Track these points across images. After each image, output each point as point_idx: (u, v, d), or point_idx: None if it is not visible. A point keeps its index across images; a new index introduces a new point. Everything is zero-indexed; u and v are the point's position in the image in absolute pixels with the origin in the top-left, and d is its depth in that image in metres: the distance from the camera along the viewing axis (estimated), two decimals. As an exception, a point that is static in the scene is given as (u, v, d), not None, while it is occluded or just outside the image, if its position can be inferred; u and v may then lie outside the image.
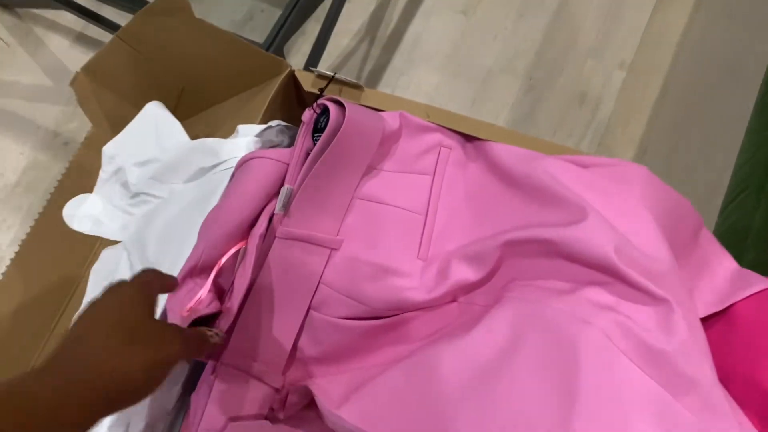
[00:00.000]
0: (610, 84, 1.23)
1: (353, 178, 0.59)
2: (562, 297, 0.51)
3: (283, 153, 0.61)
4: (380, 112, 0.63)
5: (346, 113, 0.57)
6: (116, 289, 0.41)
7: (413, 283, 0.56)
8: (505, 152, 0.61)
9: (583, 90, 1.22)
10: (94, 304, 0.39)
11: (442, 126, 0.66)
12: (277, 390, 0.55)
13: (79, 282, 0.78)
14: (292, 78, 0.75)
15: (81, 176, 0.78)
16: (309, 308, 0.56)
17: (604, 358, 0.46)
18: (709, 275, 0.62)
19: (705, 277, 0.61)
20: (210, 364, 0.56)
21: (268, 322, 0.55)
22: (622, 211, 0.54)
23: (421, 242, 0.59)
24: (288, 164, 0.61)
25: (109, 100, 0.80)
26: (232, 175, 0.62)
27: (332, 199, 0.58)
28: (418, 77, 1.28)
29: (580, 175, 0.57)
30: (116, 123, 0.80)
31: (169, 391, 0.56)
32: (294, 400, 0.54)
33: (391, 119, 0.62)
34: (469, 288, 0.56)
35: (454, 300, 0.57)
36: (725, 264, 0.62)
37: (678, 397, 0.46)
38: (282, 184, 0.60)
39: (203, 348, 0.49)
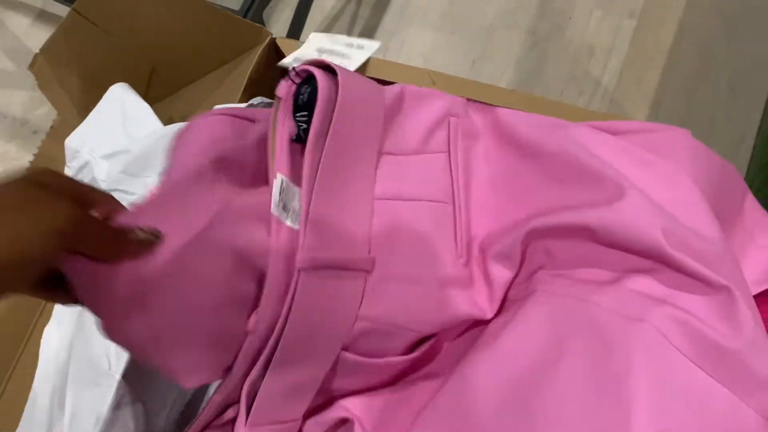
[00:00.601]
0: (619, 34, 1.14)
1: (367, 170, 0.47)
2: (604, 290, 0.43)
3: (231, 109, 0.50)
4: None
5: (340, 80, 0.45)
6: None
7: (465, 291, 0.46)
8: (521, 120, 0.52)
9: (591, 43, 1.14)
10: None
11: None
12: None
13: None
14: (273, 47, 0.67)
15: (49, 169, 0.72)
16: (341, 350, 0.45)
17: (661, 362, 0.40)
18: (755, 249, 0.55)
19: (751, 251, 0.55)
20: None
21: (290, 384, 0.44)
22: (666, 185, 0.47)
23: (456, 238, 0.48)
24: (245, 119, 0.49)
25: (74, 83, 0.73)
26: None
27: (353, 203, 0.45)
28: (411, 37, 1.20)
29: (614, 144, 0.49)
30: (83, 108, 0.73)
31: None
32: None
33: (389, 88, 0.52)
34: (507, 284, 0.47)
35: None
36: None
37: (747, 400, 0.39)
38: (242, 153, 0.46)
39: (111, 244, 0.34)
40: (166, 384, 0.52)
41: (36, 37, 1.13)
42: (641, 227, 0.43)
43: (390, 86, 0.52)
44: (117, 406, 0.50)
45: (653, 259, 0.43)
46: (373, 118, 0.47)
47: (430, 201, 0.48)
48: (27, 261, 0.28)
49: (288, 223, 0.42)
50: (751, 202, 0.57)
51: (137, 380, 0.51)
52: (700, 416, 0.38)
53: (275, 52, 0.68)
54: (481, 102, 0.56)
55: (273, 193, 0.41)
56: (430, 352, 0.48)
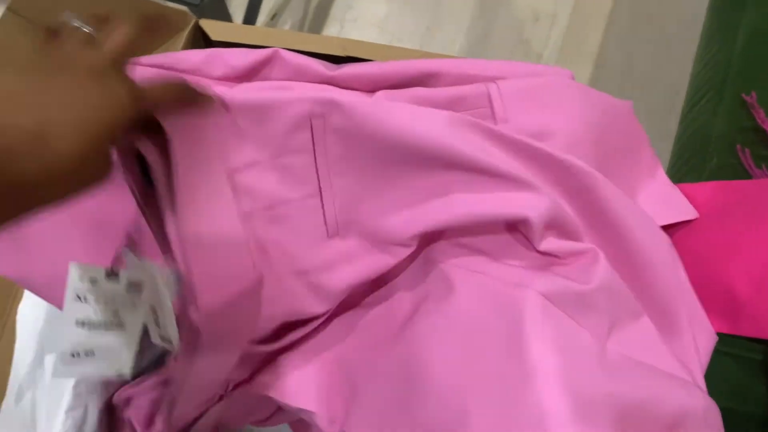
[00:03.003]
0: (561, 0, 1.17)
1: (224, 199, 0.41)
2: (493, 264, 0.49)
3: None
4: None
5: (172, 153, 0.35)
6: None
7: (349, 264, 0.50)
8: (391, 114, 0.50)
9: (536, 8, 1.17)
10: None
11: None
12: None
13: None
14: (198, 30, 0.67)
15: None
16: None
17: (547, 318, 0.45)
18: (650, 185, 0.60)
19: (646, 187, 0.60)
20: None
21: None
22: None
23: (326, 222, 0.51)
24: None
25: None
26: None
27: (224, 240, 0.39)
28: (366, 9, 1.22)
29: (451, 119, 0.50)
30: None
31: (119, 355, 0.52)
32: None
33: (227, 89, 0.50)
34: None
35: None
36: (659, 179, 0.60)
37: (585, 323, 0.46)
38: None
39: (187, 99, 0.33)
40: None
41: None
42: (510, 207, 0.48)
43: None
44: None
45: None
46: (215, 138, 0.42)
47: (296, 200, 0.50)
48: (95, 156, 0.26)
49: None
50: (644, 140, 0.62)
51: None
52: (573, 354, 0.44)
53: (201, 35, 0.68)
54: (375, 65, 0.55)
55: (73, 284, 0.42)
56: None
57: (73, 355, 0.42)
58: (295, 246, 0.50)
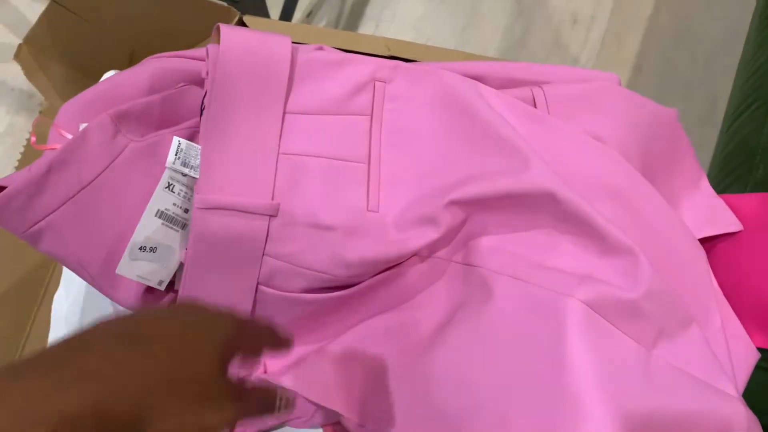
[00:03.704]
0: (601, 3, 1.15)
1: (270, 126, 0.50)
2: (537, 269, 0.48)
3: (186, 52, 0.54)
4: (296, 44, 0.53)
5: (222, 36, 0.48)
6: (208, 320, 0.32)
7: (370, 240, 0.49)
8: (450, 82, 0.53)
9: (574, 10, 1.15)
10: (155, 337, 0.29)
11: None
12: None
13: (55, 263, 0.76)
14: (241, 26, 0.67)
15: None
16: (258, 284, 0.50)
17: (590, 329, 0.44)
18: (693, 194, 0.59)
19: (689, 196, 0.59)
20: None
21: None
22: (574, 146, 0.51)
23: (368, 194, 0.51)
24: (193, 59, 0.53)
25: (57, 71, 0.76)
26: None
27: (253, 155, 0.49)
28: (402, 9, 1.22)
29: (526, 111, 0.52)
30: (67, 95, 0.74)
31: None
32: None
33: (308, 51, 0.54)
34: (431, 244, 0.50)
35: (414, 254, 0.51)
36: (703, 190, 0.59)
37: (636, 336, 0.46)
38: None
39: (264, 414, 0.35)
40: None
41: (38, 10, 1.17)
42: (548, 194, 0.47)
43: (308, 46, 0.55)
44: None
45: (565, 221, 0.48)
46: (273, 73, 0.50)
47: (343, 160, 0.51)
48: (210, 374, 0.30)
49: (192, 174, 0.50)
50: (688, 150, 0.61)
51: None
52: (617, 365, 0.44)
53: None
54: (425, 64, 0.58)
55: (170, 152, 0.49)
56: (359, 300, 0.52)
57: (141, 249, 0.50)
58: (329, 202, 0.50)
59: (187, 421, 0.27)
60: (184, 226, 0.51)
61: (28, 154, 0.73)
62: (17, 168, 0.72)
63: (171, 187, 0.50)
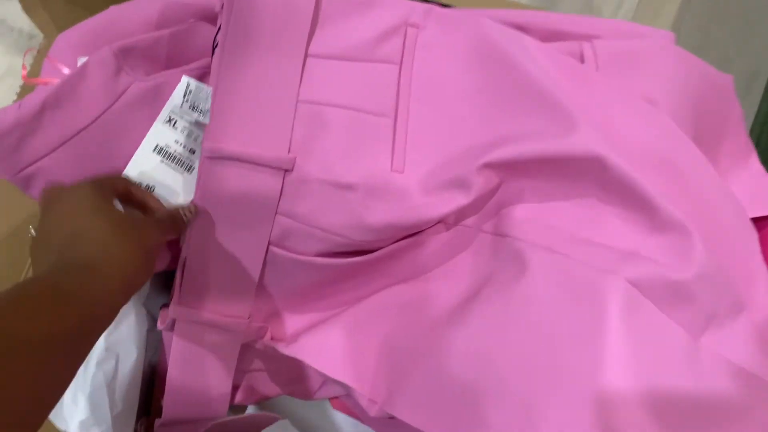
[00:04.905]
0: (638, -35, 1.09)
1: (289, 67, 0.45)
2: (578, 243, 0.43)
3: None
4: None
5: None
6: (78, 191, 0.38)
7: (393, 203, 0.45)
8: (489, 31, 0.47)
9: (608, -27, 1.09)
10: (65, 206, 0.37)
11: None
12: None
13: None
14: None
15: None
16: (269, 244, 0.46)
17: (631, 310, 0.41)
18: (741, 171, 0.55)
19: (738, 173, 0.54)
20: (164, 320, 0.48)
21: (222, 263, 0.46)
22: (624, 109, 0.45)
23: (393, 152, 0.46)
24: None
25: (56, 5, 0.70)
26: None
27: (268, 102, 0.44)
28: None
29: (574, 68, 0.47)
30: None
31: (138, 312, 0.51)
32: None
33: None
34: (459, 210, 0.46)
35: (440, 221, 0.47)
36: (753, 166, 0.54)
37: (685, 324, 0.42)
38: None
39: (177, 228, 0.43)
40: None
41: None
42: (590, 160, 0.42)
43: None
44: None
45: (612, 191, 0.43)
46: (296, 10, 0.45)
47: (367, 112, 0.46)
48: (151, 269, 0.38)
49: (201, 119, 0.45)
50: (740, 123, 0.56)
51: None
52: (659, 351, 0.40)
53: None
54: (462, 9, 0.52)
55: (175, 94, 0.44)
56: (379, 266, 0.48)
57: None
58: (350, 158, 0.45)
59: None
60: (190, 169, 0.47)
61: (25, 95, 0.68)
62: (12, 110, 0.68)
63: (172, 122, 0.45)
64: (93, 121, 0.44)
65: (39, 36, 1.05)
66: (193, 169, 0.47)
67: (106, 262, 0.34)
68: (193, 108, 0.44)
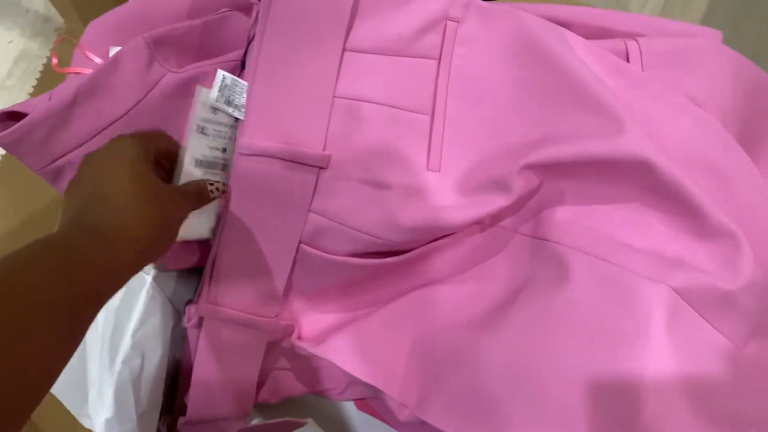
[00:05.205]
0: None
1: (327, 65, 0.44)
2: (624, 250, 0.42)
3: None
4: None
5: None
6: (119, 147, 0.37)
7: (429, 203, 0.44)
8: (531, 26, 0.45)
9: (635, -34, 1.07)
10: (102, 162, 0.36)
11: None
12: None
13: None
14: None
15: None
16: (300, 242, 0.45)
17: (676, 320, 0.40)
18: None
19: None
20: (191, 317, 0.47)
21: (253, 261, 0.45)
22: (671, 110, 0.44)
23: (429, 150, 0.45)
24: None
25: None
26: None
27: (305, 98, 0.43)
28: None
29: (619, 66, 0.45)
30: (88, 16, 0.69)
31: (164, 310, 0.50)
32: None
33: None
34: (497, 212, 0.44)
35: (476, 222, 0.45)
36: None
37: (732, 337, 0.41)
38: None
39: (202, 201, 0.42)
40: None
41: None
42: (644, 163, 0.40)
43: None
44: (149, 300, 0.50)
45: (658, 196, 0.42)
46: (334, 9, 0.44)
47: (404, 109, 0.45)
48: (172, 238, 0.38)
49: (236, 114, 0.44)
50: None
51: (165, 282, 0.52)
52: (703, 362, 0.39)
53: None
54: (503, 3, 0.51)
55: (213, 88, 0.43)
56: (412, 268, 0.47)
57: None
58: (385, 156, 0.44)
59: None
60: (224, 168, 0.46)
61: (45, 81, 0.67)
62: (32, 96, 0.66)
63: (203, 130, 0.43)
64: (126, 113, 0.43)
65: (55, 18, 1.04)
66: (228, 167, 0.45)
67: (123, 234, 0.33)
68: (228, 103, 0.43)
